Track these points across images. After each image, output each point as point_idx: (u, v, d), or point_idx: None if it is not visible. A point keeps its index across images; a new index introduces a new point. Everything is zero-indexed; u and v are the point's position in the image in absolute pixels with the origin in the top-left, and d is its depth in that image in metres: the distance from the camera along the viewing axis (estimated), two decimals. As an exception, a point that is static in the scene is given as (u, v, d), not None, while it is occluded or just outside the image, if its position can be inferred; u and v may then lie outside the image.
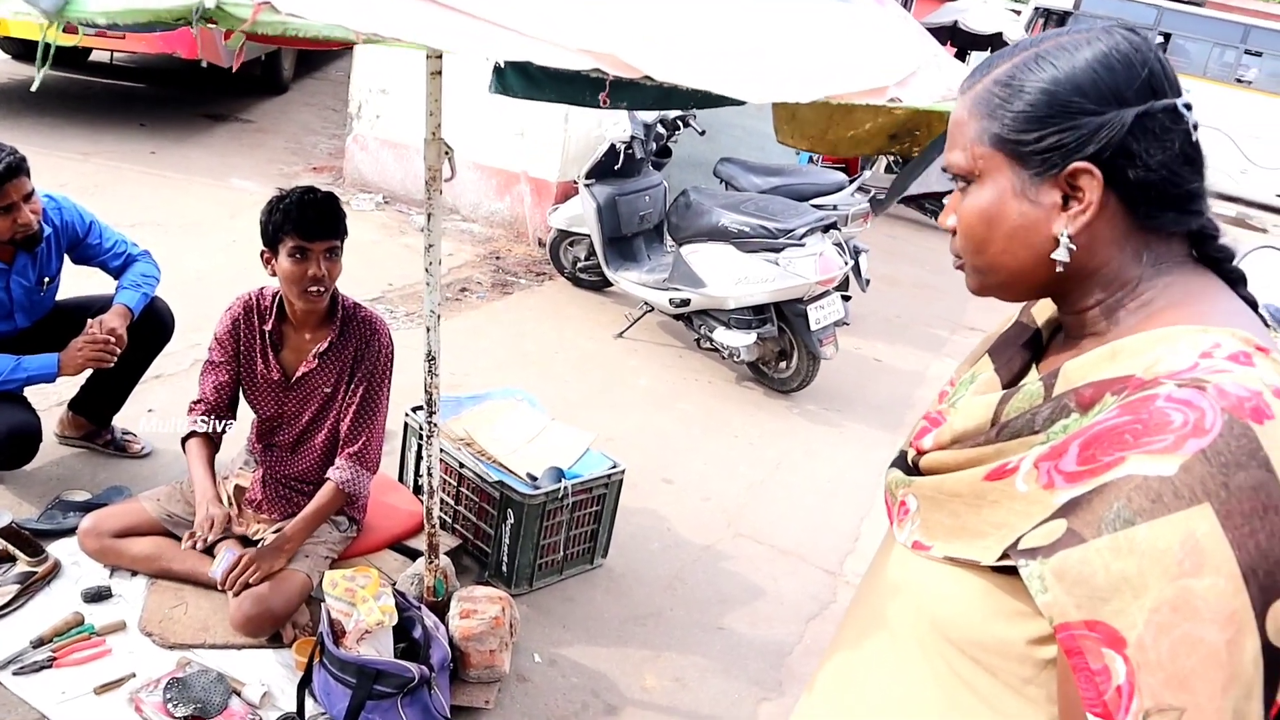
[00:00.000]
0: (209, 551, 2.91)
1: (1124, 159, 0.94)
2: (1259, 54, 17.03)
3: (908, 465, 1.15)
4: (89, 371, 3.30)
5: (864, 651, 1.15)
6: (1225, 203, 14.09)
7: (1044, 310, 1.15)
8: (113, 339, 3.10)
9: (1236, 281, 1.01)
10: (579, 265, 6.38)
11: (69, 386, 3.55)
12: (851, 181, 6.69)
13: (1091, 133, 0.94)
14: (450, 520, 3.47)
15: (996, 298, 1.09)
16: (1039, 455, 0.94)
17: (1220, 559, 0.81)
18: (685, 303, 5.36)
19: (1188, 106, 0.95)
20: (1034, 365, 1.12)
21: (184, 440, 3.00)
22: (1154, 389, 0.88)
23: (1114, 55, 0.95)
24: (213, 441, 3.00)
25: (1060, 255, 0.98)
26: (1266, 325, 0.99)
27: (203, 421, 2.96)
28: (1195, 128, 0.96)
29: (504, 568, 3.32)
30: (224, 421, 3.01)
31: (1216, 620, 0.81)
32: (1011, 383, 1.09)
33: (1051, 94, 0.96)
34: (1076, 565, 0.86)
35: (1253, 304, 1.00)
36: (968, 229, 1.04)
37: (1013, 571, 0.92)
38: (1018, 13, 16.30)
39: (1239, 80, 16.81)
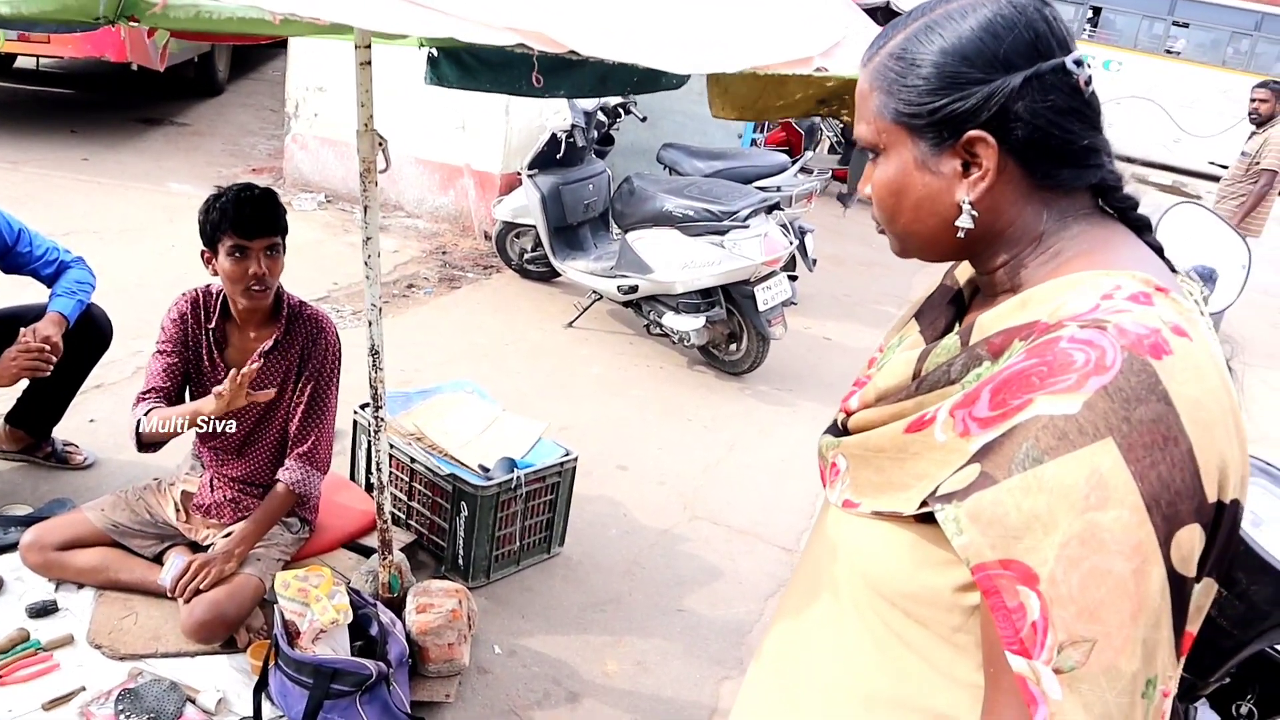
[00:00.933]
0: (157, 560, 2.86)
1: (1016, 122, 0.96)
2: (1186, 25, 17.37)
3: (837, 428, 1.17)
4: (25, 383, 3.23)
5: (805, 614, 1.16)
6: (1159, 171, 14.37)
7: (965, 271, 1.18)
8: (47, 347, 3.03)
9: (1142, 229, 1.03)
10: (526, 257, 6.35)
11: (5, 399, 3.47)
12: (794, 163, 6.73)
13: (982, 101, 0.96)
14: (404, 516, 3.45)
15: (920, 259, 1.11)
16: (954, 404, 0.96)
17: (1124, 491, 0.83)
18: (633, 289, 5.36)
19: (1077, 63, 0.97)
20: (957, 324, 1.14)
21: (136, 431, 2.80)
22: (1058, 331, 0.90)
23: (998, 21, 0.97)
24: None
25: (964, 222, 1.00)
26: (1172, 270, 1.01)
27: (151, 400, 2.83)
28: (1088, 83, 0.98)
29: (460, 561, 3.30)
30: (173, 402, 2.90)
31: (1123, 551, 0.83)
32: (934, 342, 1.11)
33: (940, 66, 0.97)
34: (989, 506, 0.88)
35: (1158, 249, 1.03)
36: (879, 200, 1.07)
37: (934, 520, 0.94)
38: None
39: (1168, 51, 17.15)
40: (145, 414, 2.79)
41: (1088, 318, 0.90)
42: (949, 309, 1.16)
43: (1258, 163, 7.45)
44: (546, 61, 2.08)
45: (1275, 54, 16.92)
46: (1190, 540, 0.86)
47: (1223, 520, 0.89)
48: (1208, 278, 1.65)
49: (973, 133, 0.97)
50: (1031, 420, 0.87)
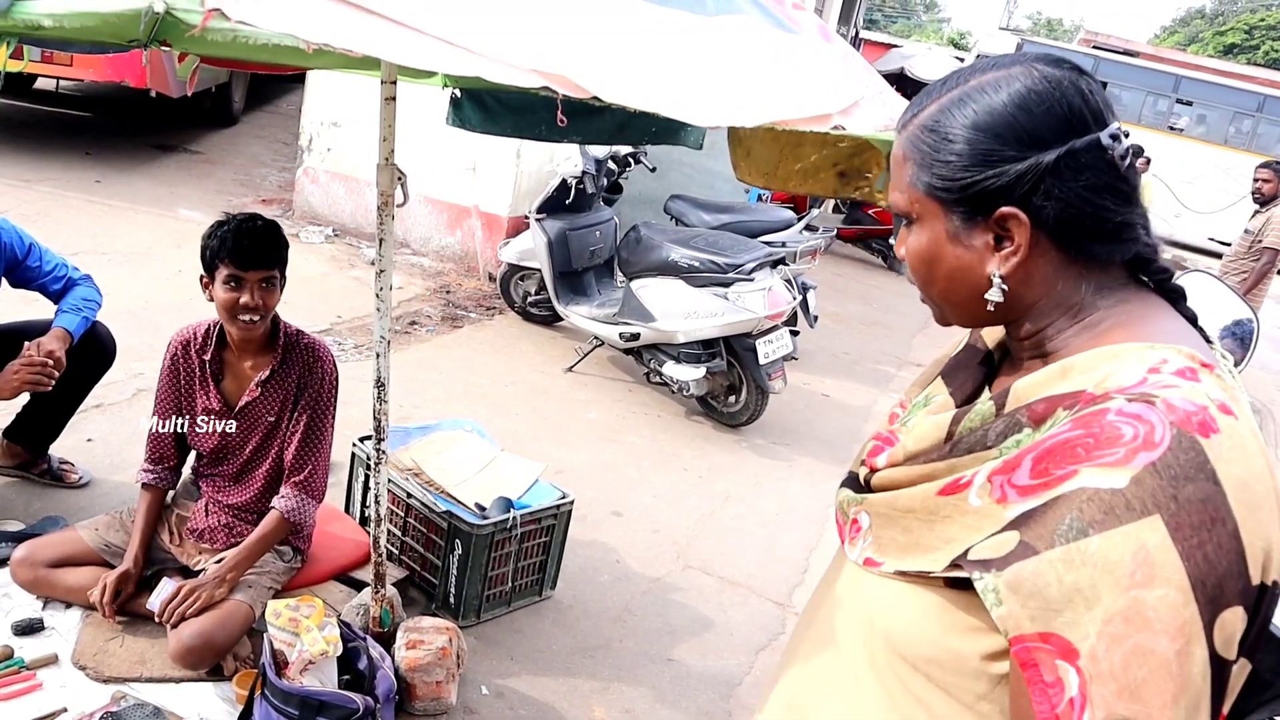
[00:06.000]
0: (148, 582, 2.85)
1: (1048, 200, 0.96)
2: (1190, 103, 17.62)
3: (859, 484, 1.15)
4: (25, 397, 3.23)
5: (816, 673, 1.14)
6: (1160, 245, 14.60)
7: (995, 333, 1.17)
8: (50, 362, 3.03)
9: (1177, 299, 1.03)
10: (529, 300, 6.38)
11: (4, 413, 3.47)
12: (800, 219, 6.79)
13: (1015, 179, 0.96)
14: (397, 551, 3.43)
15: (958, 325, 1.11)
16: (992, 470, 0.94)
17: (1170, 570, 0.82)
18: (635, 337, 5.38)
19: (1114, 138, 0.96)
20: (986, 387, 1.13)
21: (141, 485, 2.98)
22: (1105, 403, 0.89)
23: (1031, 97, 0.96)
24: (162, 491, 2.97)
25: (993, 295, 1.00)
26: (1208, 342, 1.01)
27: (148, 473, 2.95)
28: (1124, 156, 0.97)
29: (451, 599, 3.28)
30: (176, 464, 3.00)
31: (1167, 631, 0.82)
32: (965, 404, 1.10)
33: (973, 142, 0.97)
34: (1030, 577, 0.86)
35: (1193, 319, 1.02)
36: (913, 267, 1.07)
37: (966, 586, 0.93)
38: (962, 60, 16.72)
39: (1171, 128, 17.38)
40: (141, 487, 2.94)
41: (1135, 391, 0.89)
42: (979, 370, 1.15)
43: (1260, 240, 7.54)
44: (569, 106, 2.12)
45: (1277, 135, 17.18)
46: (1234, 622, 0.84)
47: (1264, 602, 0.88)
48: (1246, 335, 1.66)
49: (1005, 209, 0.97)
50: (1076, 492, 0.86)
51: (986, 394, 1.05)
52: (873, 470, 1.12)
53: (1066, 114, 0.96)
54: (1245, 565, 0.84)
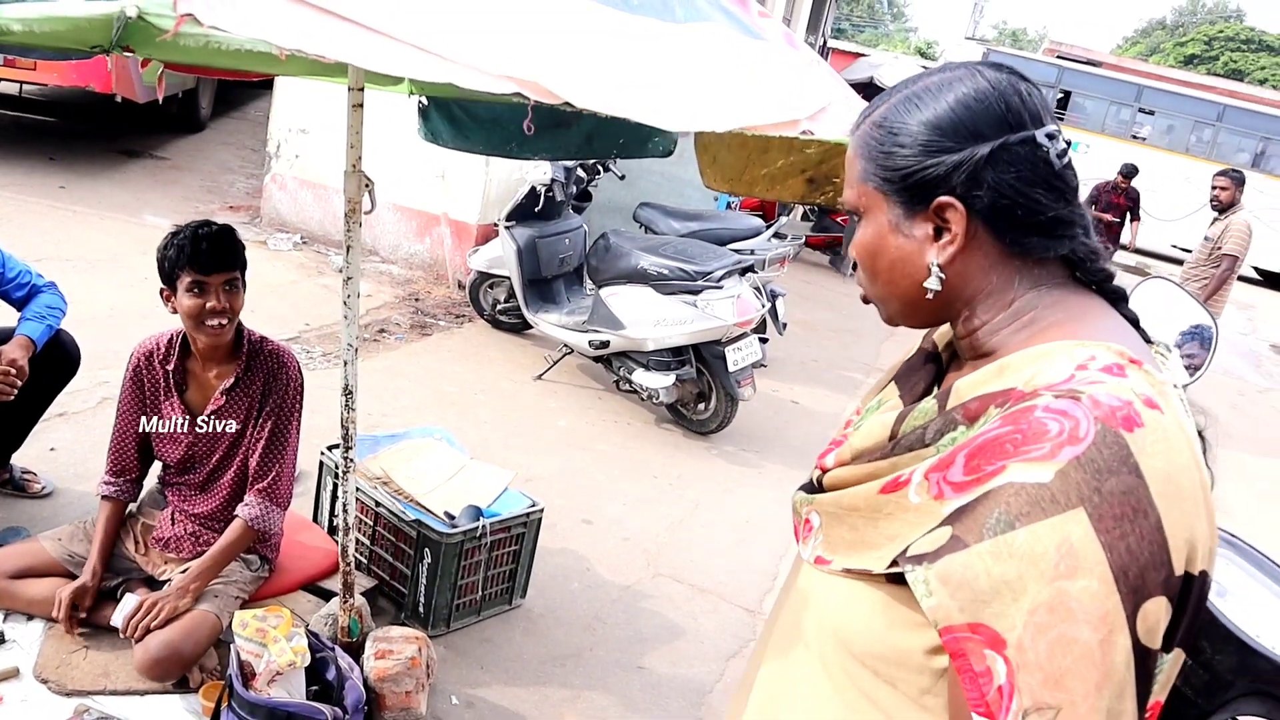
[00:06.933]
0: (113, 593, 2.81)
1: (983, 190, 1.00)
2: (1152, 112, 17.88)
3: (812, 485, 1.18)
4: (-13, 407, 3.18)
5: (780, 670, 1.16)
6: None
7: (944, 334, 1.20)
8: (13, 370, 2.99)
9: (1118, 300, 1.06)
10: (499, 307, 6.37)
11: (-35, 424, 3.41)
12: (768, 227, 6.82)
13: (951, 168, 1.00)
14: (366, 560, 3.41)
15: (902, 324, 1.13)
16: (929, 467, 0.97)
17: (1093, 561, 0.85)
18: (604, 345, 5.39)
19: (1050, 136, 1.01)
20: (936, 387, 1.16)
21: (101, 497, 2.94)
22: (1033, 400, 0.92)
23: (972, 95, 1.01)
24: (122, 504, 2.94)
25: (932, 284, 1.04)
26: (1148, 341, 1.04)
27: (109, 486, 2.91)
28: (1060, 156, 1.01)
29: (421, 608, 3.26)
30: (138, 475, 2.96)
31: (1090, 621, 0.84)
32: (913, 404, 1.13)
33: (916, 135, 1.02)
34: (960, 569, 0.89)
35: (1134, 320, 1.05)
36: (859, 261, 1.11)
37: (907, 581, 0.95)
38: (927, 69, 16.88)
39: (1134, 136, 17.63)
40: (101, 499, 2.91)
41: (1062, 387, 0.92)
42: (928, 371, 1.18)
43: (1219, 247, 7.66)
44: (537, 119, 2.13)
45: (1236, 144, 17.48)
46: (1156, 612, 0.87)
47: (1191, 593, 0.90)
48: (1207, 340, 1.69)
49: (942, 198, 1.01)
50: (1004, 486, 0.89)
51: (934, 394, 1.08)
52: (823, 470, 1.15)
53: (1004, 112, 1.00)
54: (1168, 556, 0.87)
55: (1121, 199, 10.89)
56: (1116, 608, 0.84)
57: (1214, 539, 0.94)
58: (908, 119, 1.03)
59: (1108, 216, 10.68)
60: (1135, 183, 10.99)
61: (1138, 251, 15.46)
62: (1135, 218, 11.09)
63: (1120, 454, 0.87)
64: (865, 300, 1.16)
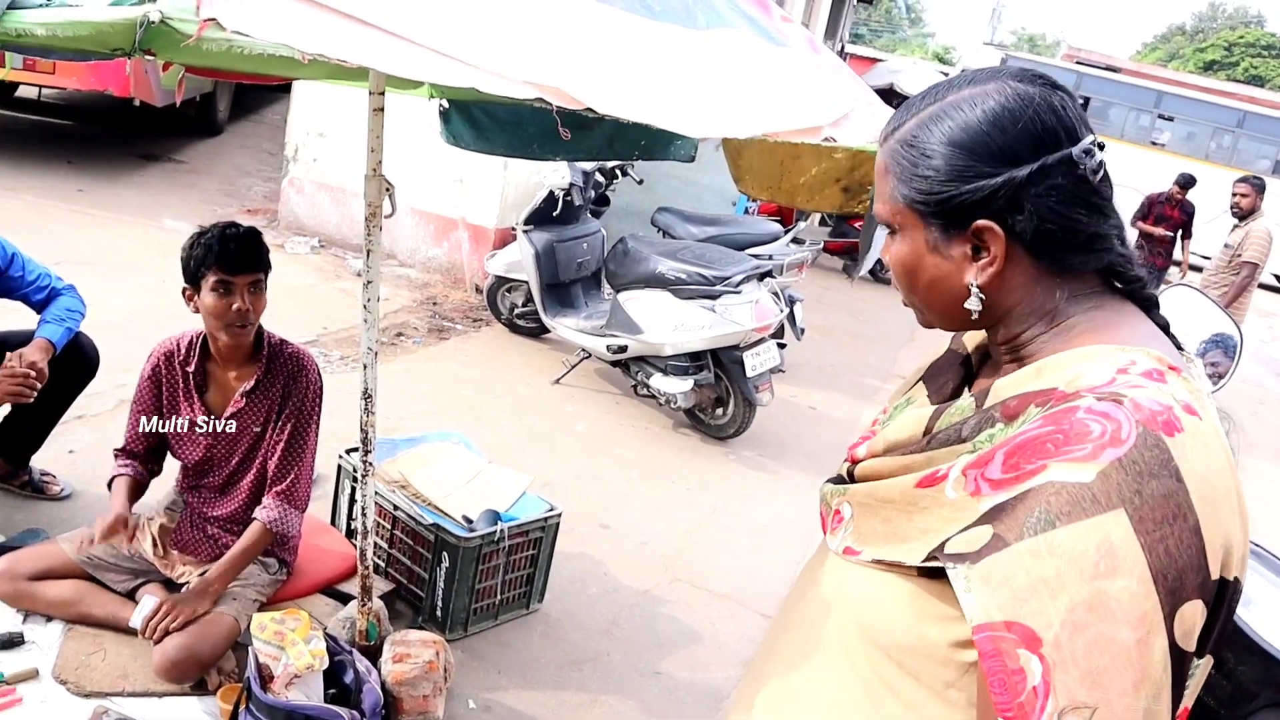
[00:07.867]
0: (131, 595, 2.81)
1: (1022, 213, 0.99)
2: (1171, 119, 17.77)
3: (842, 476, 1.19)
4: (6, 408, 3.19)
5: (793, 661, 1.17)
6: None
7: (974, 337, 1.20)
8: (33, 373, 3.00)
9: (1151, 307, 1.06)
10: (516, 311, 6.37)
11: (-15, 425, 3.43)
12: (787, 232, 6.81)
13: (989, 193, 0.99)
14: (384, 564, 3.41)
15: (940, 329, 1.14)
16: (967, 463, 0.97)
17: (1133, 562, 0.85)
18: (623, 349, 5.38)
19: (1086, 152, 0.99)
20: (966, 389, 1.16)
21: (110, 482, 2.92)
22: (1075, 401, 0.92)
23: (1005, 114, 0.99)
24: (138, 483, 2.93)
25: (972, 305, 1.04)
26: (1179, 349, 1.04)
27: (124, 466, 2.91)
28: (1096, 171, 1.00)
29: (438, 612, 3.26)
30: (149, 466, 2.96)
31: (1129, 621, 0.84)
32: (944, 403, 1.13)
33: (948, 158, 1.01)
34: (1000, 568, 0.89)
35: (1165, 326, 1.06)
36: (896, 275, 1.11)
37: (939, 575, 0.95)
38: (947, 75, 16.82)
39: (1153, 143, 17.52)
40: (113, 478, 2.89)
41: (1105, 390, 0.92)
42: (956, 372, 1.19)
43: (1240, 255, 7.61)
44: (561, 119, 2.12)
45: (1256, 150, 17.35)
46: (1193, 615, 0.87)
47: (1225, 598, 0.90)
48: (1230, 349, 1.68)
49: (980, 222, 1.00)
50: (1045, 485, 0.89)
51: (967, 393, 1.09)
52: (854, 461, 1.15)
53: (1039, 130, 0.99)
54: (1205, 559, 0.87)
55: (1176, 211, 9.84)
56: (1155, 609, 0.85)
57: (1247, 545, 0.94)
58: (939, 139, 1.01)
59: (1159, 230, 9.78)
60: (1191, 195, 9.80)
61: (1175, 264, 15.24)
62: (1187, 235, 9.93)
63: (1161, 457, 0.87)
64: (906, 303, 1.15)
